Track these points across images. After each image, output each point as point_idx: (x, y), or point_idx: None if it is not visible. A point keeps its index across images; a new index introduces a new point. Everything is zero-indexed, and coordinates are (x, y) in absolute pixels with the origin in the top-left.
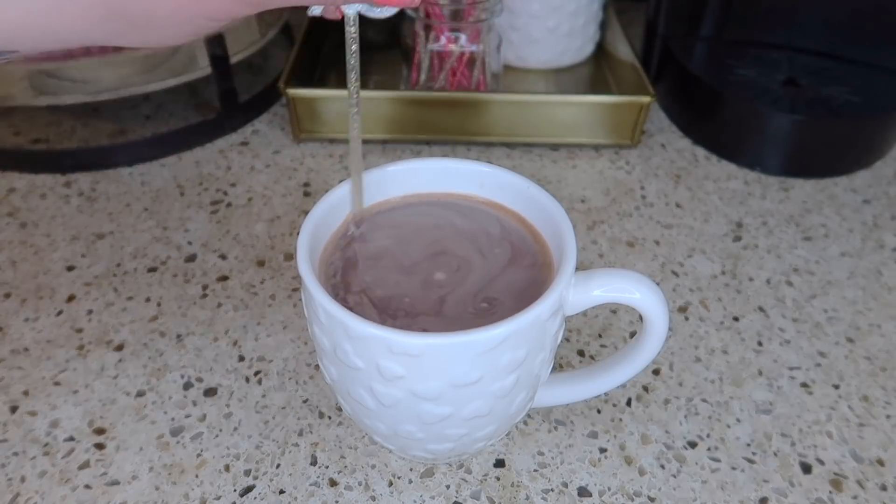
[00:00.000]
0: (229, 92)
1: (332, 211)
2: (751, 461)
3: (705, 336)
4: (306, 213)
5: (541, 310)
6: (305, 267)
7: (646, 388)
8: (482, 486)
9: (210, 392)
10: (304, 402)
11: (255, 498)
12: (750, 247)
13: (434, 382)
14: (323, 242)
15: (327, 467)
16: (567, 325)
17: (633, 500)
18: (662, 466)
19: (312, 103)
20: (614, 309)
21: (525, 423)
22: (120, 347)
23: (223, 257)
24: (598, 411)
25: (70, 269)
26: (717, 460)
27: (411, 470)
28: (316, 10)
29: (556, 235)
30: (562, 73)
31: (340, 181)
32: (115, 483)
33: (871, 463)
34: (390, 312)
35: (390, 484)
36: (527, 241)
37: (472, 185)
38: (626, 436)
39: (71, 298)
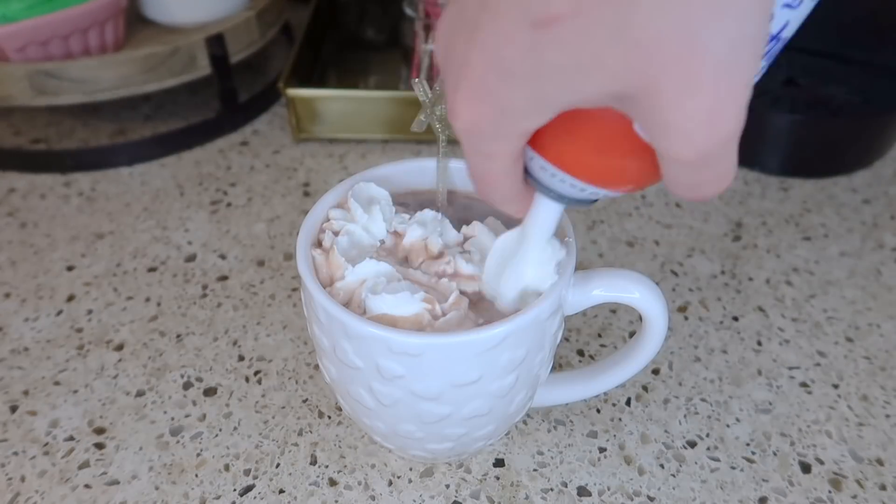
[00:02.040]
0: (229, 92)
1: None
2: (750, 461)
3: (705, 336)
4: (306, 213)
5: (540, 309)
6: (305, 267)
7: (645, 388)
8: (482, 486)
9: (210, 392)
10: (304, 401)
11: (255, 497)
12: (749, 246)
13: (433, 382)
14: None
15: (327, 467)
16: (567, 325)
17: (632, 499)
18: (662, 466)
19: (312, 103)
20: (614, 308)
21: (524, 422)
22: (120, 347)
23: (223, 257)
24: (598, 411)
25: (70, 269)
26: (717, 460)
27: (411, 469)
28: None
29: (556, 235)
30: None
31: (340, 181)
32: (115, 482)
33: (870, 462)
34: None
35: (390, 483)
36: None
37: None
38: (625, 435)
39: (71, 298)
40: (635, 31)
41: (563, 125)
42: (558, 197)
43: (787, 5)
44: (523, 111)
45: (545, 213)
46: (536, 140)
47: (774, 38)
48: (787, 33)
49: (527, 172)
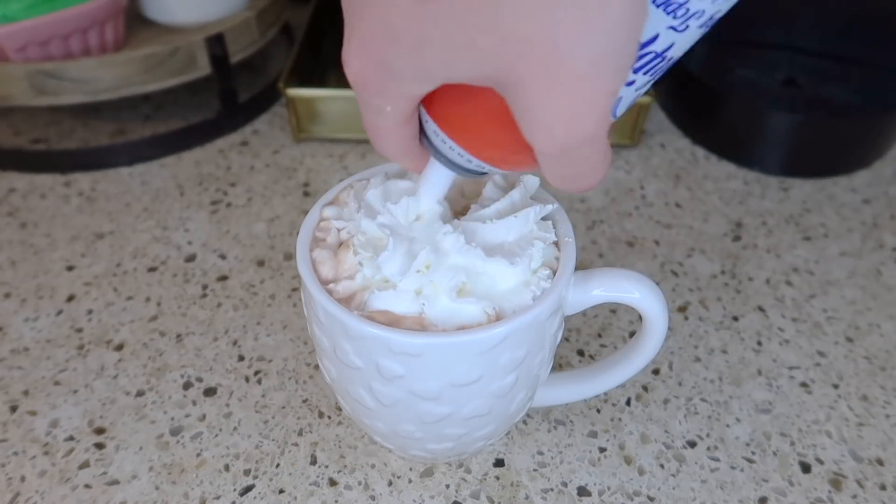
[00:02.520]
0: (229, 92)
1: None
2: (750, 461)
3: (705, 336)
4: (306, 213)
5: (540, 309)
6: (305, 267)
7: (645, 388)
8: (482, 486)
9: (210, 392)
10: (304, 401)
11: (255, 497)
12: (749, 246)
13: (433, 382)
14: None
15: (327, 467)
16: (567, 325)
17: (632, 499)
18: (662, 466)
19: (312, 103)
20: (614, 308)
21: (524, 422)
22: (120, 347)
23: (223, 257)
24: (598, 411)
25: (70, 269)
26: (717, 460)
27: (411, 469)
28: None
29: (556, 235)
30: None
31: (340, 181)
32: (115, 482)
33: (870, 462)
34: None
35: (390, 483)
36: None
37: None
38: (625, 435)
39: (71, 298)
40: (504, 25)
41: (455, 94)
42: (448, 162)
43: (673, 28)
44: (406, 76)
45: (436, 176)
46: (431, 104)
47: (659, 56)
48: (675, 53)
49: (424, 133)
